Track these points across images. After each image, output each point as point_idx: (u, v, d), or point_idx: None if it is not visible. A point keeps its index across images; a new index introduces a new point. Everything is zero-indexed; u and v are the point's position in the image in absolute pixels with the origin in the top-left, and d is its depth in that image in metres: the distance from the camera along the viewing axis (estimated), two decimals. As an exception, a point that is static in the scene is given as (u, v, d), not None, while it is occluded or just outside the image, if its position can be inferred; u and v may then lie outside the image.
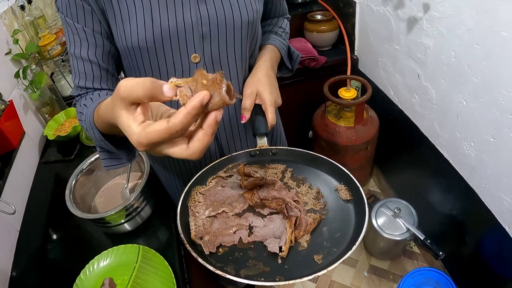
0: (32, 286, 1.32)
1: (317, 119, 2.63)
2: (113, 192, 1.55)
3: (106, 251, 1.29)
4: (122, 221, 1.35)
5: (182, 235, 0.83)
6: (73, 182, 1.41)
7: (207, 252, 0.82)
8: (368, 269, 2.59)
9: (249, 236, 0.87)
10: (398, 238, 2.25)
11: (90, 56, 0.98)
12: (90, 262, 1.27)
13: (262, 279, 0.75)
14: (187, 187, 0.97)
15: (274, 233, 0.86)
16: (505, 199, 1.65)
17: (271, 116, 1.07)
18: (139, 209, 1.38)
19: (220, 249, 0.84)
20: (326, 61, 2.62)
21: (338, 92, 2.41)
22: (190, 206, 0.93)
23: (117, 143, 0.87)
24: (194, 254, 0.77)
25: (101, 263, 1.28)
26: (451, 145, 1.94)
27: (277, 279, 0.74)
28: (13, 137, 1.67)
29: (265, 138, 1.09)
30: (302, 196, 0.95)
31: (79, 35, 0.96)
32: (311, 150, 1.04)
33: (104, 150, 0.95)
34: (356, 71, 2.77)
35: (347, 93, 2.38)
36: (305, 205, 0.93)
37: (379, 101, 2.56)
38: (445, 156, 2.02)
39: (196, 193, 0.97)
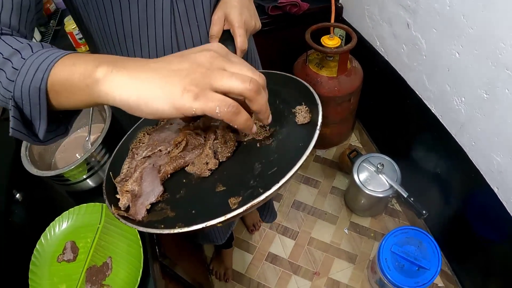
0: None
1: (298, 68, 2.50)
2: (75, 147, 1.41)
3: (67, 211, 1.19)
4: (84, 176, 1.23)
5: (104, 179, 0.76)
6: (29, 138, 1.28)
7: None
8: (349, 226, 2.55)
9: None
10: (381, 195, 2.18)
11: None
12: (51, 224, 1.17)
13: (162, 226, 0.62)
14: (132, 128, 0.87)
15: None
16: (495, 159, 1.58)
17: (239, 39, 0.92)
18: (101, 163, 1.26)
19: None
20: (308, 7, 2.45)
21: (321, 40, 2.28)
22: (132, 148, 0.82)
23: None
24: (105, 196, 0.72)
25: (63, 225, 1.18)
26: (440, 100, 1.85)
27: (177, 227, 0.60)
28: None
29: None
30: None
31: None
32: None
33: (20, 109, 0.67)
34: (340, 20, 2.62)
35: (331, 41, 2.25)
36: (245, 136, 0.77)
37: (364, 51, 2.44)
38: (432, 111, 1.93)
39: (144, 134, 0.86)
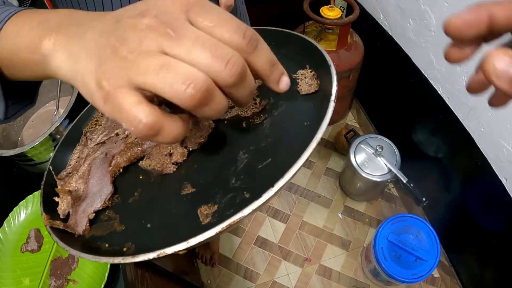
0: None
1: (294, 41, 2.37)
2: (44, 123, 1.28)
3: (31, 195, 1.07)
4: (51, 155, 1.09)
5: (45, 174, 0.58)
6: (-10, 113, 1.14)
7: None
8: (343, 210, 2.45)
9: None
10: (378, 179, 2.07)
11: None
12: (14, 209, 1.06)
13: (107, 245, 0.46)
14: (87, 107, 0.69)
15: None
16: (506, 148, 1.47)
17: None
18: (70, 140, 1.12)
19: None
20: (308, -25, 2.32)
21: (320, 11, 2.15)
22: (86, 132, 0.65)
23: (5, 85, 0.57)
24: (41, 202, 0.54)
25: (28, 210, 1.06)
26: (448, 80, 1.72)
27: (124, 249, 0.44)
28: None
29: None
30: None
31: None
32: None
33: None
34: (341, -9, 2.49)
35: (331, 12, 2.12)
36: (228, 112, 0.56)
37: (366, 25, 2.31)
38: (439, 92, 1.80)
39: (102, 114, 0.67)
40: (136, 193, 0.52)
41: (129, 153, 0.55)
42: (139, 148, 0.55)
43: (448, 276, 2.11)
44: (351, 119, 2.94)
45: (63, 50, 0.38)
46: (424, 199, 1.92)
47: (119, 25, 0.34)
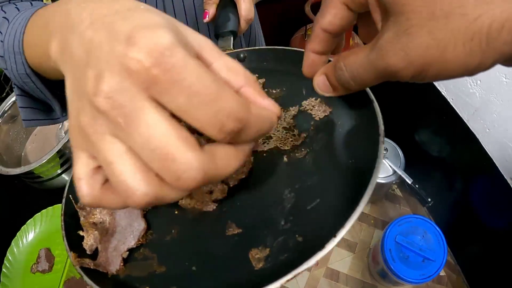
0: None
1: (295, 43, 2.36)
2: (47, 136, 1.26)
3: (39, 213, 1.06)
4: (58, 171, 1.08)
5: (63, 204, 0.51)
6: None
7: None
8: (348, 212, 2.43)
9: None
10: (383, 181, 2.07)
11: None
12: (22, 228, 1.04)
13: (147, 287, 0.42)
14: None
15: None
16: (511, 148, 1.47)
17: (244, 6, 0.69)
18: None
19: None
20: (308, -22, 2.30)
21: (322, 14, 2.13)
22: None
23: (52, 85, 0.57)
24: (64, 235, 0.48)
25: (36, 229, 1.05)
26: (452, 82, 1.72)
27: None
28: None
29: (231, 38, 0.70)
30: None
31: None
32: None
33: (26, 95, 0.60)
34: (342, -6, 2.47)
35: (332, 16, 2.11)
36: (266, 142, 0.51)
37: (366, 27, 2.28)
38: (443, 93, 1.80)
39: None
40: (173, 231, 0.48)
41: None
42: None
43: (454, 274, 2.11)
44: (352, 120, 2.92)
45: (58, 61, 0.35)
46: (429, 199, 1.92)
47: (87, 69, 0.28)
